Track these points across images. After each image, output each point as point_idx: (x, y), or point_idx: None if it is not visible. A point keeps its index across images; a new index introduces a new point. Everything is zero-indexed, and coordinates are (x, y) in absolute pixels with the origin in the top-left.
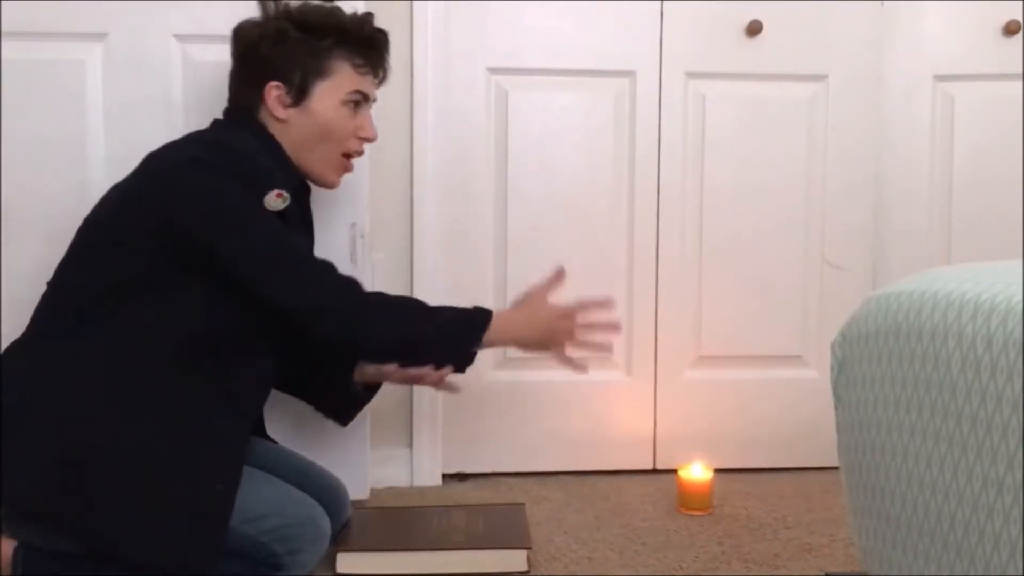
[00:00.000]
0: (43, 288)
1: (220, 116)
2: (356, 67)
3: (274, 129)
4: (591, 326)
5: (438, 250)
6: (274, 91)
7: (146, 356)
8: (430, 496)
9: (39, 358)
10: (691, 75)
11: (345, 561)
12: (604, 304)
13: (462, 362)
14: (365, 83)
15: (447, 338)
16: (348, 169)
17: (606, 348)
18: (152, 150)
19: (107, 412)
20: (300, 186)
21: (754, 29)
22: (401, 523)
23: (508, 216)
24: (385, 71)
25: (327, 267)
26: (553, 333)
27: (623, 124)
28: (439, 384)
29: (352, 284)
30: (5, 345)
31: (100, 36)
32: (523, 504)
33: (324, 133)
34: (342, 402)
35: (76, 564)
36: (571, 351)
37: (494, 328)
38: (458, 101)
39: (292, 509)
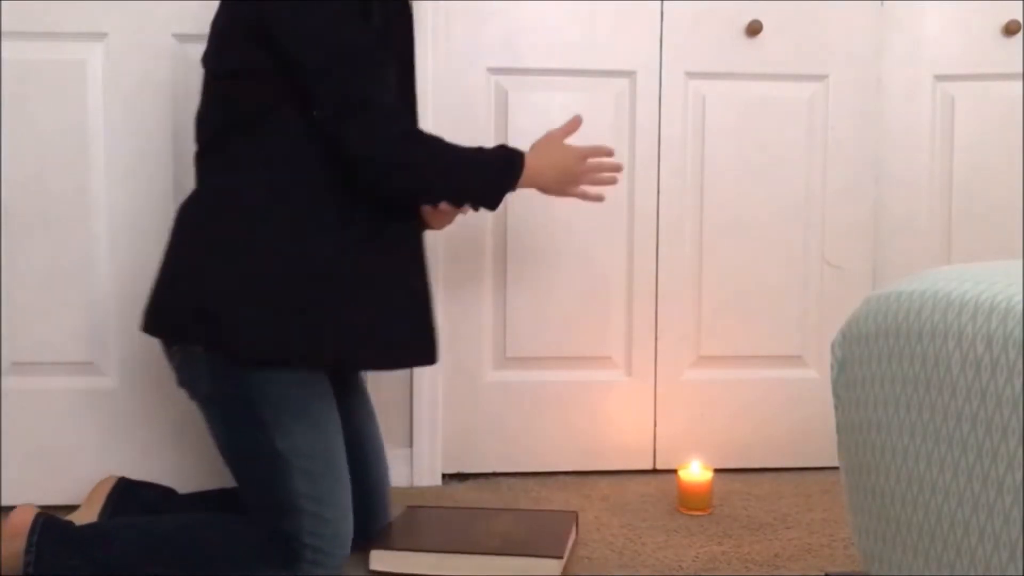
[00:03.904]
0: (44, 287)
1: None
2: None
3: None
4: (600, 167)
5: (437, 249)
6: None
7: (302, 179)
8: (430, 496)
9: (200, 198)
10: (691, 75)
11: (378, 559)
12: (608, 151)
13: (497, 202)
14: None
15: (491, 184)
16: None
17: (612, 181)
18: None
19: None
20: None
21: (754, 29)
22: (444, 524)
23: (507, 215)
24: None
25: (394, 115)
26: (571, 175)
27: (623, 124)
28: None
29: (415, 138)
30: (5, 348)
31: (100, 36)
32: (575, 512)
33: None
34: None
35: (89, 531)
36: (585, 189)
37: (525, 171)
38: (458, 101)
39: (342, 528)
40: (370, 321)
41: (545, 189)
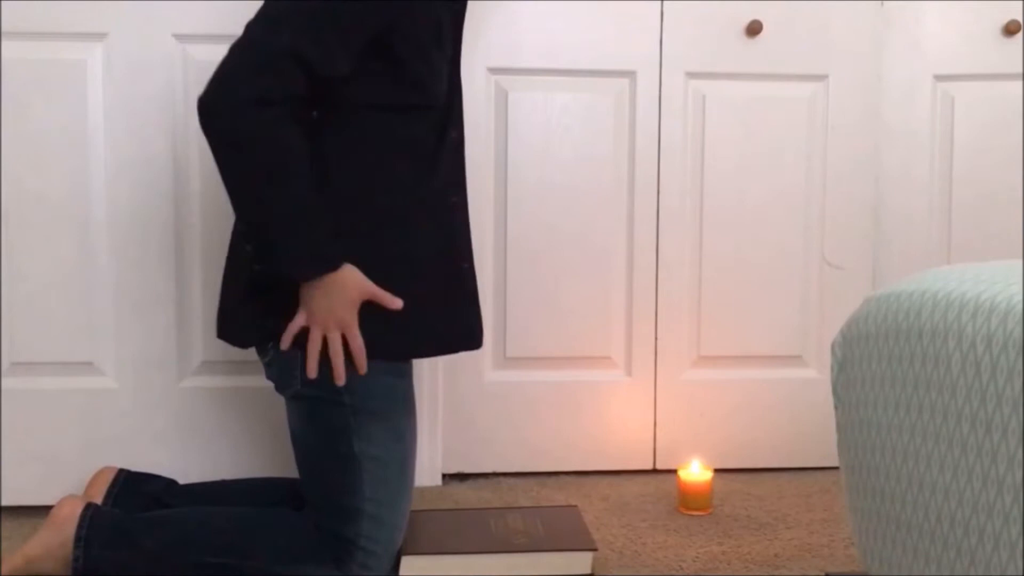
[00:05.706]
0: (44, 287)
1: None
2: None
3: None
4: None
5: None
6: None
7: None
8: (430, 496)
9: None
10: (691, 75)
11: (409, 564)
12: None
13: (268, 253)
14: None
15: (275, 249)
16: None
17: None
18: None
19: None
20: None
21: (754, 29)
22: (458, 525)
23: (508, 215)
24: None
25: (289, 80)
26: (338, 321)
27: (623, 124)
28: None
29: (270, 115)
30: (5, 348)
31: (100, 36)
32: (576, 505)
33: None
34: None
35: (138, 522)
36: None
37: (328, 278)
38: None
39: (396, 534)
40: (449, 307)
41: (314, 307)
